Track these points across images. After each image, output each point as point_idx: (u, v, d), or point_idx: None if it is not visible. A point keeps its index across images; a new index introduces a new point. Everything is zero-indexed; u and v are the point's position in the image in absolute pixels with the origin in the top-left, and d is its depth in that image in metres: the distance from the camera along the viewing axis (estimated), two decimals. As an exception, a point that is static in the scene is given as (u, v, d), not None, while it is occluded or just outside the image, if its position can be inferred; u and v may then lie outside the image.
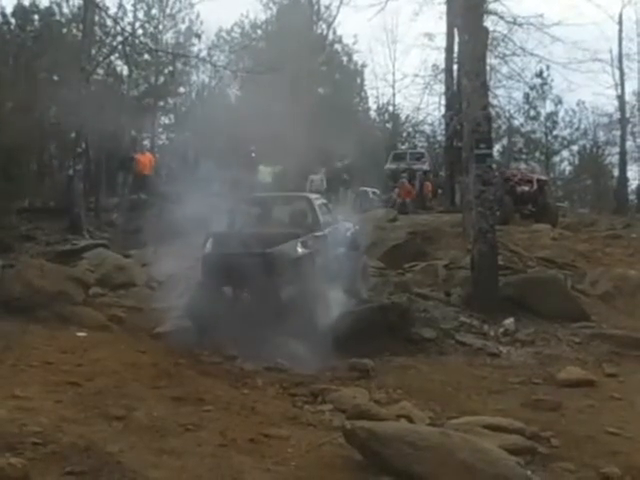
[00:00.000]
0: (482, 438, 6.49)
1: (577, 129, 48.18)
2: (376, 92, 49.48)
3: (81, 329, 11.48)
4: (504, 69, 31.22)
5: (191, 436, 6.90)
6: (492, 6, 27.36)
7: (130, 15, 39.51)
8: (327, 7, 40.13)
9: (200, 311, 11.73)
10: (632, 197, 41.71)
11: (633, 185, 42.72)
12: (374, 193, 33.41)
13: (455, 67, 28.58)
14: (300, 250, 11.89)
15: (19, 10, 33.79)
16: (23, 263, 13.55)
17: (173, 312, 12.92)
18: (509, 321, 12.74)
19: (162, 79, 43.20)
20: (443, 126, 34.56)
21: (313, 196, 14.85)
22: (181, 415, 7.53)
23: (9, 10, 33.98)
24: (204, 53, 43.21)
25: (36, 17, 35.75)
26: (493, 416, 7.81)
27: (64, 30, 35.84)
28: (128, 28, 36.22)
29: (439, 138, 42.19)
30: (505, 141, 46.17)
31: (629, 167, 40.78)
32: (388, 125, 47.53)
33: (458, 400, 8.87)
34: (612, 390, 9.39)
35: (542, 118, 47.63)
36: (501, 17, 28.05)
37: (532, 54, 29.05)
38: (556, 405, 8.57)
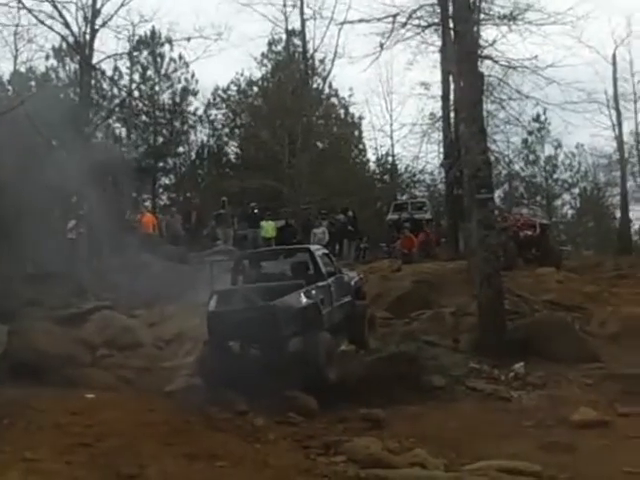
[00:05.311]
0: (498, 482, 6.44)
1: (577, 172, 48.36)
2: (374, 143, 49.70)
3: (90, 391, 11.39)
4: (501, 114, 31.32)
5: (205, 492, 6.85)
6: (486, 51, 27.64)
7: (126, 77, 40.09)
8: (321, 61, 40.53)
9: (209, 368, 11.69)
10: (636, 237, 41.67)
11: (636, 225, 42.74)
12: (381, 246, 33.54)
13: (452, 114, 28.72)
14: (304, 300, 11.86)
15: (16, 76, 34.23)
16: (29, 328, 13.49)
17: (182, 370, 12.89)
18: (519, 365, 12.69)
19: (161, 140, 43.61)
20: (443, 174, 34.61)
21: (314, 247, 14.88)
22: (194, 471, 7.48)
23: (6, 77, 34.53)
24: (201, 111, 43.85)
25: (33, 83, 36.24)
26: (508, 460, 7.75)
27: (61, 95, 36.28)
28: (124, 90, 36.82)
29: (439, 186, 42.26)
30: (506, 187, 46.23)
31: (631, 207, 40.41)
32: (386, 177, 47.58)
33: (472, 446, 8.79)
34: (626, 429, 9.34)
35: (542, 162, 47.80)
36: (495, 61, 28.30)
37: (528, 97, 29.15)
38: (571, 447, 8.52)
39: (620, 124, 39.34)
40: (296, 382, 11.11)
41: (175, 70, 42.15)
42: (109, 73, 35.09)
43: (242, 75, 45.79)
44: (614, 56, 38.61)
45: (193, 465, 7.77)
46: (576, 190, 49.42)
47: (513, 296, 17.15)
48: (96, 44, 25.89)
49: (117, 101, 36.95)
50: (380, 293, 19.35)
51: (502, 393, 11.58)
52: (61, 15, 24.15)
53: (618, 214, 43.03)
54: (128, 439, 8.64)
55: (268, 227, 29.31)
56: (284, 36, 41.67)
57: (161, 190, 46.37)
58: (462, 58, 15.10)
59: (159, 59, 42.18)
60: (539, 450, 8.46)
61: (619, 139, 39.46)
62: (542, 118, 44.53)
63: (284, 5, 38.78)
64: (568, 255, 30.34)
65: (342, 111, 46.65)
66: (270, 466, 7.98)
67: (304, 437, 9.53)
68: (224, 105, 46.20)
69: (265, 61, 44.92)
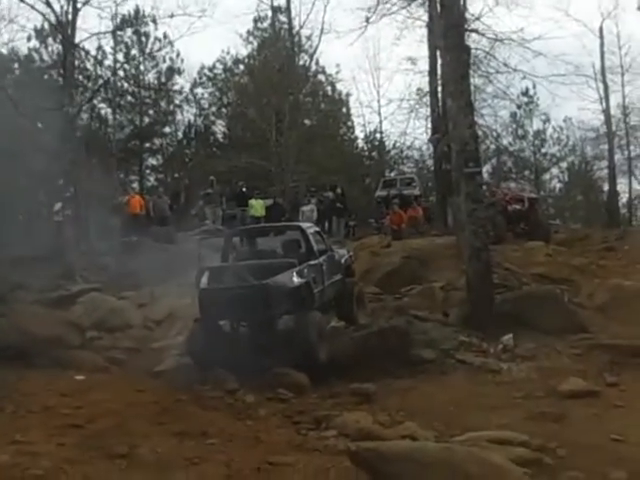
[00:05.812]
0: (487, 452, 6.45)
1: (565, 145, 48.23)
2: (362, 120, 49.47)
3: (80, 372, 11.42)
4: (489, 88, 31.34)
5: (196, 469, 6.87)
6: (473, 24, 27.52)
7: (110, 57, 39.79)
8: (308, 38, 40.34)
9: (199, 347, 11.67)
10: (623, 210, 41.74)
11: (624, 198, 42.82)
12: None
13: (440, 89, 28.64)
14: (296, 280, 11.84)
15: (-2, 59, 33.95)
16: (17, 311, 13.45)
17: (172, 350, 12.90)
18: (508, 337, 12.69)
19: (147, 120, 43.38)
20: (431, 150, 34.57)
21: (306, 225, 14.85)
22: (185, 449, 7.50)
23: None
24: (187, 90, 43.66)
25: (16, 65, 35.96)
26: (497, 431, 7.79)
27: (45, 76, 36.03)
28: (109, 70, 36.59)
29: (428, 162, 42.20)
30: (494, 161, 46.17)
31: (619, 180, 40.45)
32: (374, 153, 47.36)
33: (461, 418, 8.81)
34: (614, 399, 9.40)
35: (530, 136, 47.71)
36: (482, 35, 28.19)
37: (515, 70, 29.07)
38: (560, 416, 8.56)
39: (607, 97, 39.40)
40: (286, 360, 11.12)
41: (160, 49, 41.67)
42: (92, 53, 34.90)
43: (228, 53, 45.66)
44: (601, 29, 38.54)
45: (184, 443, 7.80)
46: (564, 164, 49.35)
47: (502, 270, 17.17)
48: (78, 23, 25.56)
49: (101, 81, 36.65)
50: (370, 269, 19.42)
51: (491, 365, 11.59)
52: (43, -7, 23.86)
53: (606, 187, 43.08)
54: (119, 419, 8.66)
55: (257, 206, 29.29)
56: (270, 13, 41.59)
57: (148, 171, 46.26)
58: (448, 32, 14.98)
59: (143, 38, 41.86)
60: (528, 420, 8.48)
61: (607, 112, 39.47)
62: (530, 92, 44.44)
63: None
64: (557, 229, 30.32)
65: (329, 88, 46.38)
66: (261, 442, 8.01)
67: (295, 413, 9.54)
68: (210, 84, 46.04)
69: (251, 38, 44.69)
